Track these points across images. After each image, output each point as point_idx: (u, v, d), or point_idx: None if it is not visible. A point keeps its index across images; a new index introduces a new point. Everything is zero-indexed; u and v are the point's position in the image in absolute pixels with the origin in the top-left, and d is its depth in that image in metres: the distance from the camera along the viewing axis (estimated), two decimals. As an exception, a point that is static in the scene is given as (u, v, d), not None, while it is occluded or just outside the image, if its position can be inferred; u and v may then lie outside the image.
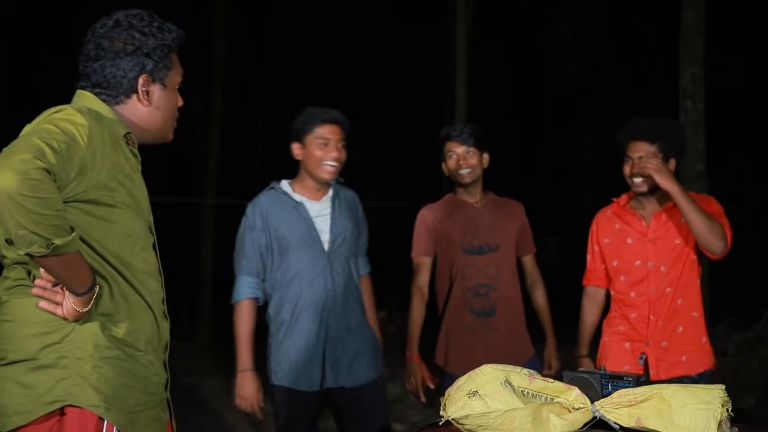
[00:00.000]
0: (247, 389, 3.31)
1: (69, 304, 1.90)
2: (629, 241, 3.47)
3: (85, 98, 2.09)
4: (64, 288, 1.90)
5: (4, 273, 2.00)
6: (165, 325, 2.13)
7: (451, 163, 3.72)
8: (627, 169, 3.41)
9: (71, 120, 1.88)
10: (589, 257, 3.65)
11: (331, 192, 3.46)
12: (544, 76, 19.65)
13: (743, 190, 14.11)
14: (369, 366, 3.41)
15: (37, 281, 1.92)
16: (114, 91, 2.10)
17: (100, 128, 1.94)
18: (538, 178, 17.62)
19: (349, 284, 3.40)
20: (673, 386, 2.12)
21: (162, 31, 2.13)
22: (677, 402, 2.05)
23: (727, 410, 2.05)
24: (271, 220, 3.35)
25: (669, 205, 3.42)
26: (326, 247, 3.35)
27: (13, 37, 15.16)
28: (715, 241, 3.18)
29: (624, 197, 3.56)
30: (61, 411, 1.93)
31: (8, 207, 1.69)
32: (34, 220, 1.71)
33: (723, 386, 2.10)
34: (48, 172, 1.73)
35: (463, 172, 3.70)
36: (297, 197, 3.41)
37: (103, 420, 1.94)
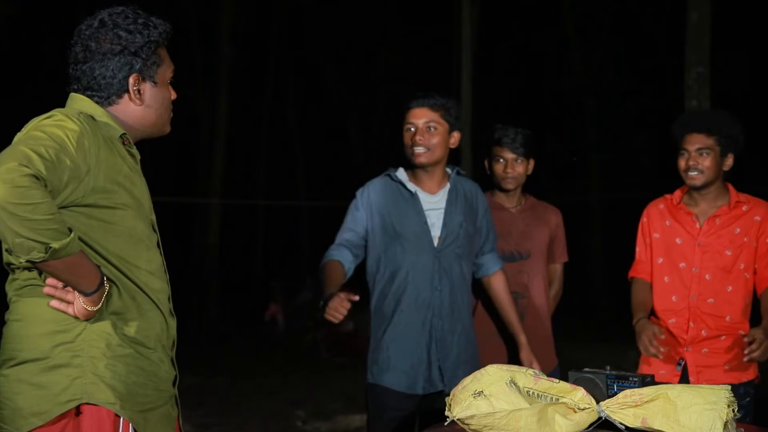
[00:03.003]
0: (335, 299, 2.91)
1: (79, 303, 1.91)
2: (678, 241, 3.35)
3: (79, 101, 2.08)
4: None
5: (14, 274, 2.00)
6: (172, 323, 2.14)
7: (498, 167, 3.64)
8: (682, 163, 3.28)
9: (60, 125, 1.87)
10: (638, 249, 3.50)
11: (448, 185, 3.29)
12: (550, 76, 19.62)
13: (749, 189, 14.08)
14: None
15: (49, 280, 1.92)
16: (105, 93, 2.08)
17: (94, 131, 1.93)
18: (543, 178, 17.64)
19: (458, 285, 3.21)
20: (679, 387, 2.11)
21: (148, 27, 2.10)
22: (683, 402, 2.04)
23: (733, 410, 2.04)
24: (379, 206, 3.21)
25: (724, 209, 3.30)
26: (435, 243, 3.18)
27: (17, 37, 15.18)
28: None
29: (677, 193, 3.42)
30: (77, 410, 1.94)
31: (1, 217, 1.69)
32: (29, 226, 1.71)
33: (728, 386, 2.10)
34: (36, 177, 1.73)
35: (509, 178, 3.63)
36: (411, 187, 3.24)
37: (119, 417, 1.95)
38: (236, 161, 18.39)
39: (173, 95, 2.21)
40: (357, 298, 2.91)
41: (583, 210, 17.33)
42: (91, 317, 1.93)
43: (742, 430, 2.11)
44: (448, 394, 3.10)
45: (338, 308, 2.90)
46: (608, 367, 2.52)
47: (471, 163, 10.00)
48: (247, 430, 6.86)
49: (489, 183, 3.77)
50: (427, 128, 3.19)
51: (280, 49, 19.89)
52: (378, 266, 3.21)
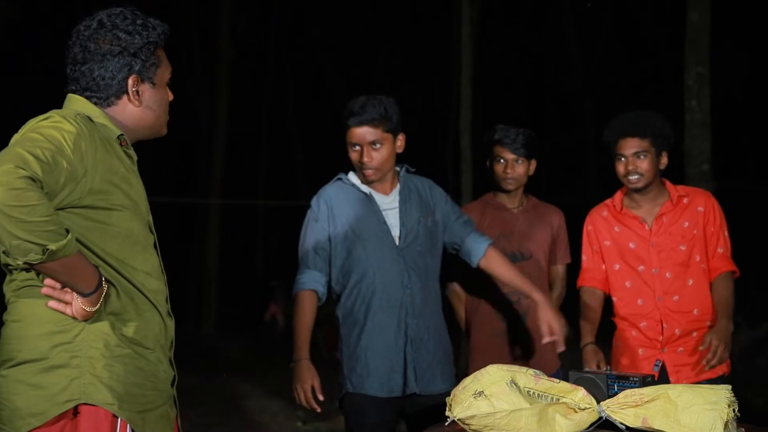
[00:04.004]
0: (302, 378, 3.07)
1: (78, 304, 1.91)
2: (631, 245, 3.40)
3: (76, 102, 2.08)
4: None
5: (11, 275, 2.00)
6: (170, 323, 2.14)
7: (498, 168, 3.64)
8: (621, 168, 3.34)
9: (57, 127, 1.87)
10: (585, 257, 3.53)
11: (399, 185, 3.25)
12: (550, 76, 19.62)
13: (749, 189, 14.10)
14: (445, 375, 3.17)
15: (47, 281, 1.92)
16: (104, 94, 2.08)
17: (91, 133, 1.93)
18: (542, 178, 17.60)
19: (426, 282, 3.18)
20: (680, 386, 2.12)
21: (146, 29, 2.10)
22: (683, 402, 2.04)
23: (734, 410, 2.04)
24: (338, 212, 3.15)
25: (668, 206, 3.38)
26: (397, 242, 3.14)
27: (17, 37, 15.17)
28: None
29: (618, 197, 3.47)
30: (74, 410, 1.94)
31: None
32: (25, 228, 1.70)
33: (729, 386, 2.10)
34: (32, 180, 1.73)
35: (509, 179, 3.63)
36: (365, 189, 3.20)
37: (117, 417, 1.95)
38: (236, 161, 18.38)
39: (170, 96, 2.21)
40: (321, 399, 3.05)
41: (583, 210, 17.30)
42: (89, 318, 1.93)
43: (743, 429, 2.11)
44: (419, 395, 3.09)
45: (311, 403, 3.05)
46: (608, 367, 2.53)
47: (471, 163, 9.99)
48: (247, 430, 6.86)
49: (490, 183, 3.77)
50: (372, 147, 3.11)
51: (280, 49, 19.88)
52: (342, 271, 3.15)
